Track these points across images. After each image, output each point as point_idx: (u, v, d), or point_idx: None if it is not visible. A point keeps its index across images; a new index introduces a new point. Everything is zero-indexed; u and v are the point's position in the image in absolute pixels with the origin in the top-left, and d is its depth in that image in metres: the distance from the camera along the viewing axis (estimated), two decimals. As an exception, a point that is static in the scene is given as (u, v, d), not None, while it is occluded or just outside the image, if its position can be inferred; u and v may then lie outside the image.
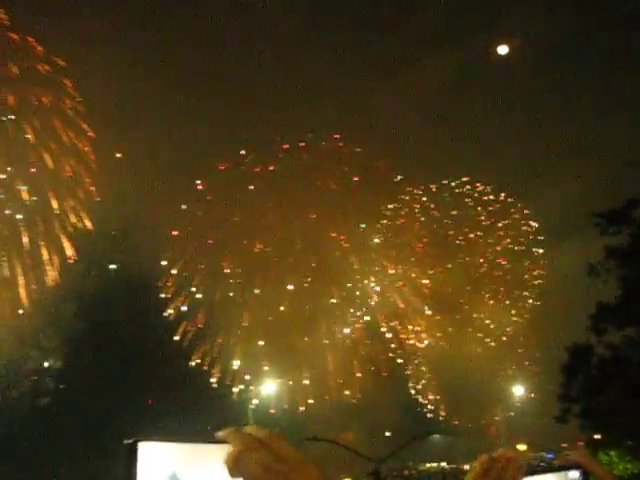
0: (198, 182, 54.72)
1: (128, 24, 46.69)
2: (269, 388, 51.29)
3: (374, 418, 50.26)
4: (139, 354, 48.31)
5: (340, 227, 53.92)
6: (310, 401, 52.10)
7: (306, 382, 51.86)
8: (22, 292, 43.18)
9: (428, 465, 53.01)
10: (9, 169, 42.81)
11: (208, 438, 1.07)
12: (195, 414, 45.30)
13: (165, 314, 52.52)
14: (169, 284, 53.52)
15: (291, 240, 52.47)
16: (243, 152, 55.46)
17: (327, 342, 52.58)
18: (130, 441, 1.05)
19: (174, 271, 53.48)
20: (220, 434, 1.08)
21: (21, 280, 42.85)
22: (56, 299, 45.51)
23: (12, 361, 44.54)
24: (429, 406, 56.02)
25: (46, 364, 46.47)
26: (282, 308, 51.66)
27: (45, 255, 43.96)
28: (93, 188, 45.86)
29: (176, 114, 50.67)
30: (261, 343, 51.67)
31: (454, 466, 50.12)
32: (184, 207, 53.90)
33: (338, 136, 57.30)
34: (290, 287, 51.44)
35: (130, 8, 47.59)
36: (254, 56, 52.15)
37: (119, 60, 44.73)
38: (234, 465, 1.05)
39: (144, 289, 51.23)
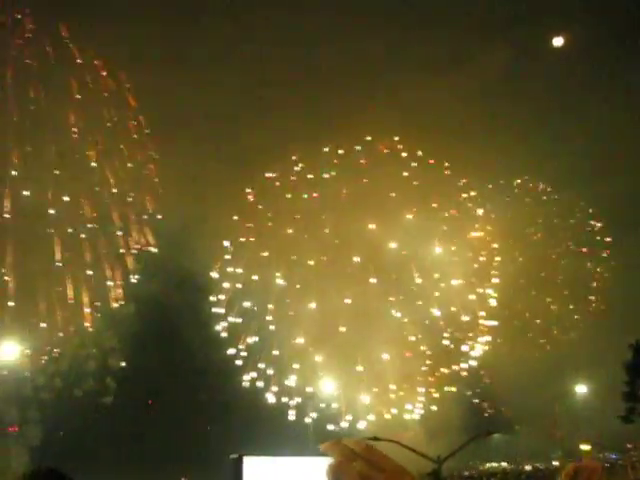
0: (248, 191, 57.39)
1: (176, 40, 50.10)
2: (328, 390, 53.05)
3: (434, 418, 51.50)
4: (193, 362, 51.53)
5: (399, 235, 55.03)
6: (371, 417, 53.68)
7: (366, 398, 53.40)
8: (86, 306, 47.08)
9: (488, 465, 54.07)
10: (73, 188, 46.91)
11: (305, 452, 1.24)
12: (252, 430, 48.05)
13: (218, 327, 55.33)
14: (221, 297, 56.28)
15: (348, 251, 53.92)
16: (294, 157, 57.82)
17: (387, 355, 53.84)
18: (236, 455, 1.21)
19: (226, 284, 56.25)
20: (320, 447, 1.22)
21: (85, 297, 46.74)
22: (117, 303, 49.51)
23: (75, 361, 48.39)
24: (489, 410, 56.98)
25: (106, 364, 50.21)
26: (340, 321, 53.21)
27: (108, 272, 47.88)
28: (155, 205, 49.70)
29: (225, 122, 53.31)
30: (318, 359, 53.50)
31: (515, 466, 51.10)
32: (235, 218, 56.74)
33: (397, 138, 58.91)
34: (347, 301, 52.98)
35: (180, 25, 50.95)
36: (302, 59, 54.31)
37: (170, 76, 48.33)
38: (334, 476, 1.18)
39: (200, 298, 54.49)
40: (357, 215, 54.79)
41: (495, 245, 58.01)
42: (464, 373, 55.96)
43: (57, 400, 47.06)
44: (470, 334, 56.38)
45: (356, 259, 54.59)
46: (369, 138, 58.78)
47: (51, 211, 47.30)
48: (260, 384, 53.84)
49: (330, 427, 52.23)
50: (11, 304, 45.71)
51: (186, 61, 51.60)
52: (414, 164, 58.86)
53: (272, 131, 54.19)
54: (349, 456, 1.21)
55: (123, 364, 50.79)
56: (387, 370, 53.89)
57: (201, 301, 54.69)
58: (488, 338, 56.50)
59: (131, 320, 49.46)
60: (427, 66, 58.19)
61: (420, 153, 58.66)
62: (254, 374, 54.43)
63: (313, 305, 53.94)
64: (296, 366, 54.51)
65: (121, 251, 50.15)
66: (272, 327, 54.92)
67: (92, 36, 47.61)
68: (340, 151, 57.80)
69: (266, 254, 55.97)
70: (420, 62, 58.18)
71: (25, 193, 46.94)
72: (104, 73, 49.05)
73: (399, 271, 55.14)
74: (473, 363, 55.91)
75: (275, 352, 54.80)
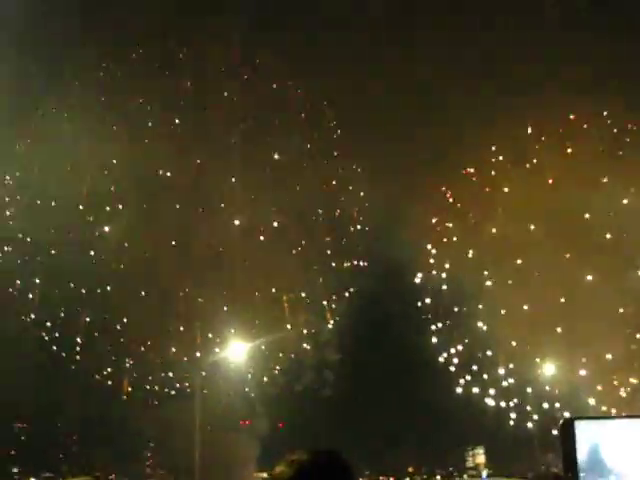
0: (445, 190, 57.96)
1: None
2: (548, 391, 53.18)
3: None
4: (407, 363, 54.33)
5: (616, 223, 52.04)
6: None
7: (591, 400, 52.88)
8: (301, 326, 51.32)
9: None
10: (280, 212, 50.66)
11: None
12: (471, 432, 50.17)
13: (427, 333, 57.45)
14: (427, 301, 58.16)
15: (559, 246, 52.42)
16: (494, 148, 56.91)
17: (611, 354, 52.63)
18: (567, 419, 2.03)
19: (431, 287, 57.96)
20: None
21: (301, 318, 50.94)
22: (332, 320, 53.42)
23: (295, 356, 53.11)
24: None
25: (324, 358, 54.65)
26: (555, 320, 52.88)
27: (321, 291, 51.64)
28: (360, 219, 52.45)
29: (418, 123, 53.67)
30: (537, 359, 53.62)
31: None
32: (434, 220, 57.73)
33: (606, 113, 54.90)
34: (562, 299, 52.25)
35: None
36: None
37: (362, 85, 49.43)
38: None
39: (409, 302, 56.88)
40: (566, 205, 53.14)
41: None
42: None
43: (281, 395, 52.11)
44: None
45: (567, 255, 53.40)
46: (572, 117, 56.43)
47: (261, 237, 51.39)
48: (475, 389, 55.45)
49: (555, 432, 52.63)
50: (232, 330, 50.82)
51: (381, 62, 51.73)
52: (627, 140, 55.86)
53: (466, 124, 53.74)
54: None
55: (338, 357, 54.76)
56: (612, 368, 52.92)
57: (410, 306, 57.17)
58: None
59: (342, 311, 53.18)
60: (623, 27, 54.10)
61: (632, 127, 55.45)
62: (468, 377, 56.19)
63: (524, 305, 53.94)
64: (511, 366, 55.43)
65: (333, 265, 53.57)
66: (484, 327, 56.06)
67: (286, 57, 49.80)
68: (542, 137, 56.22)
69: (470, 254, 56.66)
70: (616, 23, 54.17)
71: (236, 222, 51.27)
72: (299, 91, 51.51)
73: (618, 263, 53.13)
74: None
75: (488, 353, 56.02)
